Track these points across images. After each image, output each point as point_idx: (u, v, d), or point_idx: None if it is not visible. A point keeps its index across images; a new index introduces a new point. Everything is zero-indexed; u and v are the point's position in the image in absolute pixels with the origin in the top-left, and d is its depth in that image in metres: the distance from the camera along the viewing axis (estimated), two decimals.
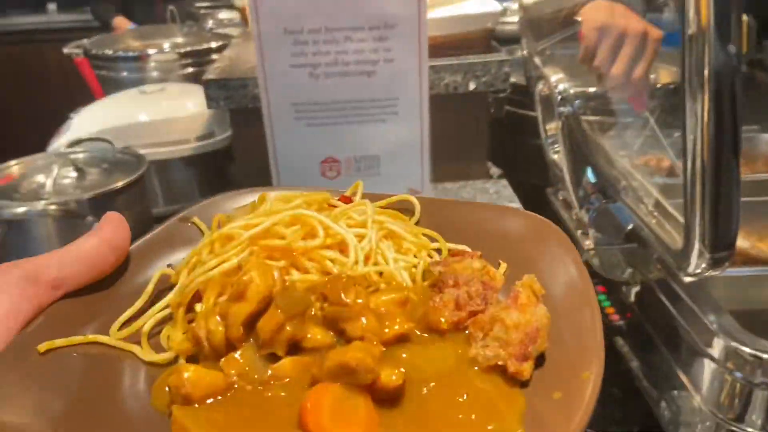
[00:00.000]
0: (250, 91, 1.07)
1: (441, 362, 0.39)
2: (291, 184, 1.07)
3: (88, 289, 0.43)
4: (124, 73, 1.57)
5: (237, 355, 0.39)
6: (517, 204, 1.07)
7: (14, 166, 1.02)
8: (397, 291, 0.43)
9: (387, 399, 0.37)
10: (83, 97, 1.48)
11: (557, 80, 0.87)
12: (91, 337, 0.41)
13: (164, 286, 0.46)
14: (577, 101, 0.86)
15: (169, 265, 0.48)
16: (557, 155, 0.94)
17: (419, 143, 1.02)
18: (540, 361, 0.39)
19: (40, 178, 0.99)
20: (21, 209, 0.91)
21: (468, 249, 0.50)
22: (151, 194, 1.26)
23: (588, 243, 0.88)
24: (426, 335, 0.41)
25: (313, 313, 0.40)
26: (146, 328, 0.43)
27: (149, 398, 0.38)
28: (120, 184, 0.98)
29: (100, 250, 0.44)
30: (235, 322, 0.39)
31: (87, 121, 1.26)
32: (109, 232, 0.44)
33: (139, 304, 0.44)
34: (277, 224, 0.46)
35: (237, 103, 1.08)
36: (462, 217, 0.53)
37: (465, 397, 0.37)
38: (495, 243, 0.50)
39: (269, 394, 0.37)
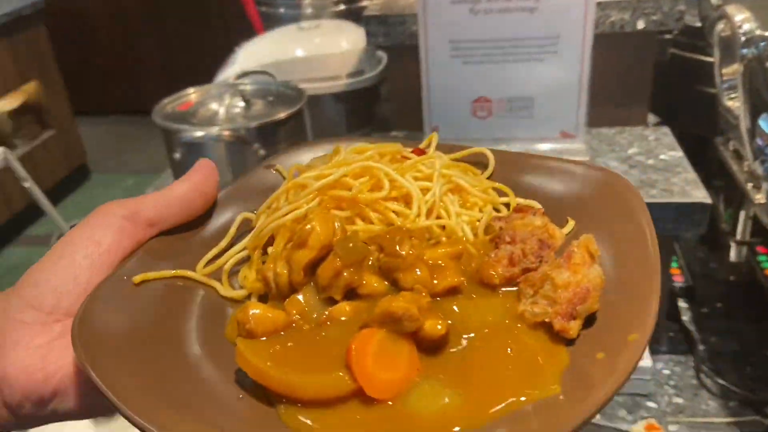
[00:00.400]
0: (408, 28, 1.08)
1: (488, 316, 0.41)
2: (441, 122, 1.08)
3: (179, 228, 0.48)
4: (282, 10, 1.63)
5: (299, 296, 0.42)
6: (678, 153, 1.01)
7: (192, 94, 1.10)
8: (453, 245, 0.45)
9: (431, 347, 0.38)
10: (243, 31, 1.56)
11: (742, 20, 0.80)
12: (180, 271, 0.46)
13: (246, 229, 0.49)
14: (763, 43, 0.79)
15: (253, 210, 0.51)
16: (732, 102, 0.88)
17: (577, 85, 0.98)
18: (591, 321, 0.39)
19: (214, 106, 1.07)
20: (199, 133, 0.99)
21: (536, 205, 0.49)
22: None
23: (759, 197, 0.83)
24: (478, 289, 0.43)
25: (370, 262, 0.43)
26: (227, 266, 0.47)
27: (223, 329, 0.43)
28: (283, 115, 1.04)
29: (191, 194, 0.48)
30: (296, 267, 0.42)
31: (250, 55, 1.33)
32: (200, 178, 0.48)
33: (222, 244, 0.48)
34: (347, 175, 0.48)
35: (395, 40, 1.09)
36: (538, 171, 0.52)
37: (508, 351, 0.38)
38: (567, 200, 0.49)
39: (324, 333, 0.40)
